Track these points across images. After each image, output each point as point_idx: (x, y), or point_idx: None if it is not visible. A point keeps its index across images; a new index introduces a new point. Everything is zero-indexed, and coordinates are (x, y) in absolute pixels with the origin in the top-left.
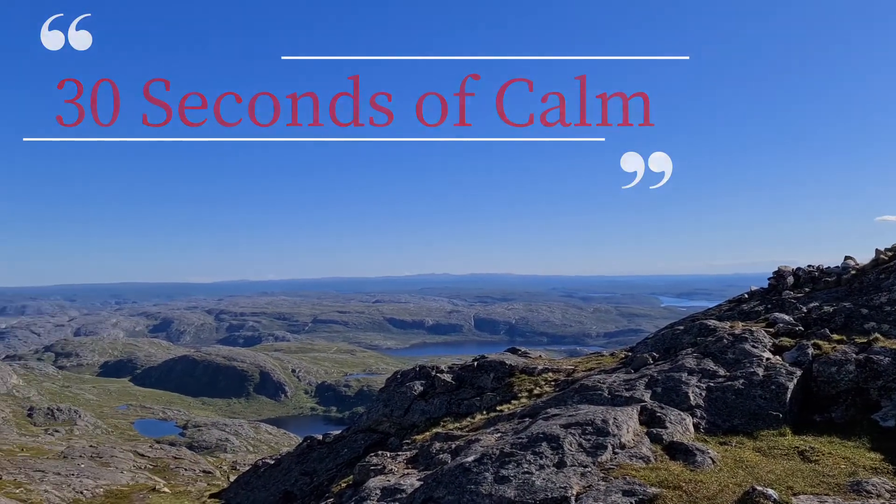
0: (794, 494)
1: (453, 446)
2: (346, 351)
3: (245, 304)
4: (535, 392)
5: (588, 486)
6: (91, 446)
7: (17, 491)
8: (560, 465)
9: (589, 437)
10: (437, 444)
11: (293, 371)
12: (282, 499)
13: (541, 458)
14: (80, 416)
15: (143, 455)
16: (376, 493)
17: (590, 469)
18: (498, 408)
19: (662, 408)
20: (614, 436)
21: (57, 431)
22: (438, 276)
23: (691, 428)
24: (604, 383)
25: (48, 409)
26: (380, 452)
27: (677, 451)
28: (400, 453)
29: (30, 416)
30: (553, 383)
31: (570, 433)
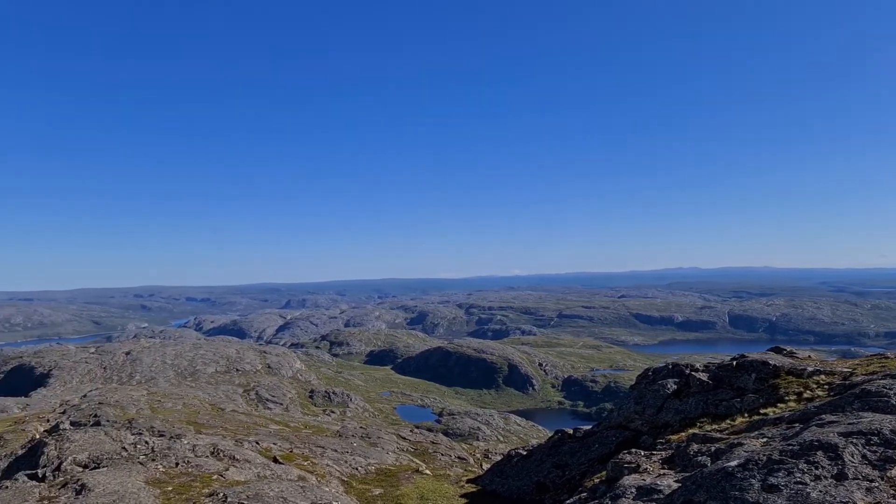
0: None
1: (713, 449)
2: (591, 346)
3: (493, 299)
4: (805, 396)
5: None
6: (361, 427)
7: (305, 463)
8: (840, 477)
9: (875, 448)
10: (695, 446)
11: (540, 365)
12: (535, 489)
13: (816, 468)
14: (351, 400)
15: (404, 438)
16: (631, 492)
17: (877, 484)
18: (762, 411)
19: None
20: None
21: (333, 412)
22: (687, 270)
23: None
24: (891, 389)
25: (325, 392)
26: (633, 450)
27: None
28: (654, 452)
29: (311, 397)
30: (826, 387)
31: (851, 443)
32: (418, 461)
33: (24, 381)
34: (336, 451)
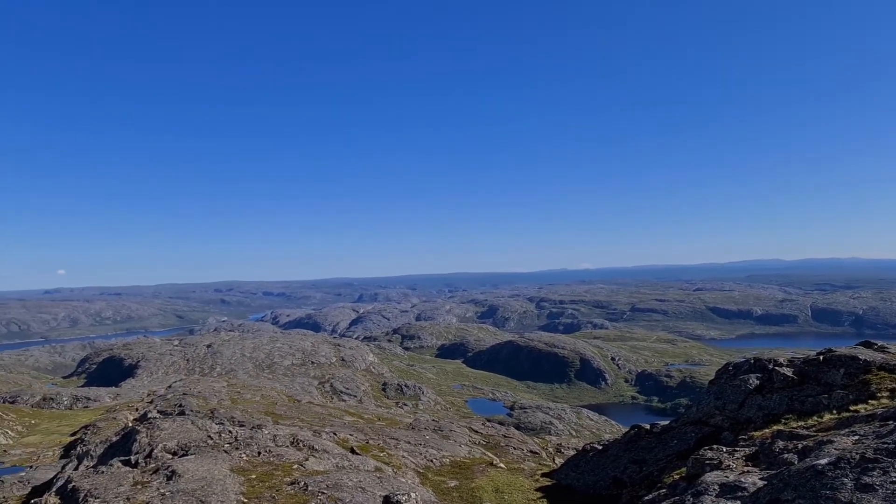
0: None
1: (800, 446)
2: (666, 340)
3: (564, 293)
4: None
5: None
6: (433, 420)
7: (381, 454)
8: None
9: None
10: (781, 443)
11: (612, 359)
12: (611, 484)
13: None
14: (423, 393)
15: (476, 432)
16: (714, 489)
17: None
18: (851, 407)
19: None
20: None
21: (405, 405)
22: (767, 261)
23: None
24: None
25: (398, 384)
26: (715, 447)
27: None
28: (737, 449)
29: (384, 389)
30: None
31: None
32: (491, 454)
33: (114, 371)
34: (410, 443)
